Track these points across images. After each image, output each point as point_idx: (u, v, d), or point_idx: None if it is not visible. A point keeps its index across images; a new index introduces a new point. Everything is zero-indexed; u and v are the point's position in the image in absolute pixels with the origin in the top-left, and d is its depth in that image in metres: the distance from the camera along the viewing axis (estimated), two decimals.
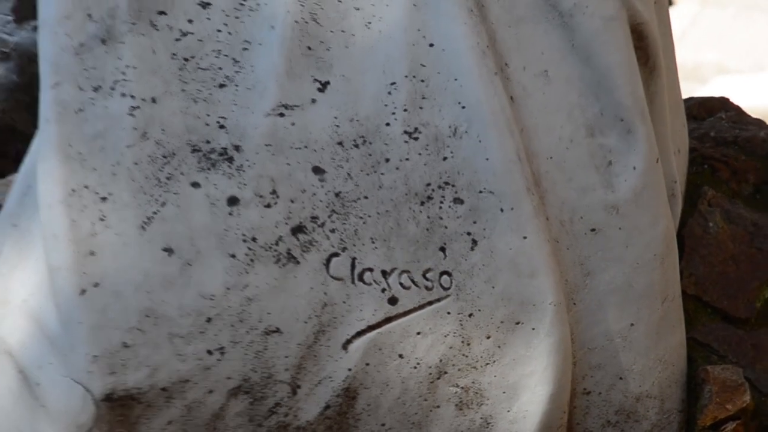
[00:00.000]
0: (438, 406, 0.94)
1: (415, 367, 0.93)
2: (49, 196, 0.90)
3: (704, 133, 1.17)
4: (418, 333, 0.93)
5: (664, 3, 1.06)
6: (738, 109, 1.22)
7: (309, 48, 0.92)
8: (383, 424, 0.94)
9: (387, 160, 0.92)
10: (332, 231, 0.92)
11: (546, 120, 0.95)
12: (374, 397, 0.94)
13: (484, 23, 0.94)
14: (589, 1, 0.96)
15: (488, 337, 0.93)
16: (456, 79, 0.92)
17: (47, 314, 0.91)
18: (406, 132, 0.92)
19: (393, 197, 0.92)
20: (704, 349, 1.01)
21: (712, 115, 1.20)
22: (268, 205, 0.91)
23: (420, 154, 0.93)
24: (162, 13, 0.92)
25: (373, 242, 0.92)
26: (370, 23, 0.93)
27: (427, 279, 0.94)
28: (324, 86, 0.93)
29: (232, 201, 0.91)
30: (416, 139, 0.93)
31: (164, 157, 0.91)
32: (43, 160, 0.91)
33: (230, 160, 0.92)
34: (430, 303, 0.93)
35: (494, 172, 0.92)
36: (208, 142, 0.92)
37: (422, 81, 0.93)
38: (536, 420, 0.94)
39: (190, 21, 0.92)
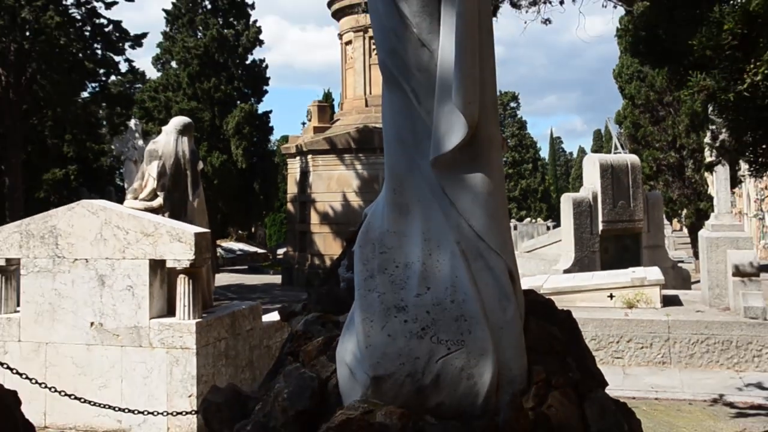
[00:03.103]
0: (461, 378, 3.29)
1: (456, 367, 3.28)
2: (357, 319, 3.24)
3: (526, 307, 3.62)
4: (456, 358, 3.28)
5: (515, 258, 3.50)
6: (534, 292, 3.71)
7: (424, 278, 3.31)
8: (448, 384, 3.28)
9: (446, 309, 3.30)
10: (431, 329, 3.28)
11: (487, 297, 3.36)
12: (446, 375, 3.27)
13: (470, 268, 3.35)
14: (496, 264, 3.38)
15: (475, 359, 3.30)
16: (464, 292, 3.32)
17: (357, 352, 3.23)
18: (452, 300, 3.31)
19: (449, 321, 3.29)
20: (532, 362, 3.41)
21: (527, 297, 3.65)
22: (415, 321, 3.27)
23: (457, 309, 3.31)
24: (385, 269, 3.30)
25: (444, 332, 3.29)
26: (439, 270, 3.33)
27: (457, 342, 3.29)
28: (428, 289, 3.31)
29: (404, 321, 3.27)
30: (453, 302, 3.31)
31: (387, 309, 3.26)
32: (355, 310, 3.26)
33: (405, 310, 3.28)
34: (459, 349, 3.29)
35: (477, 317, 3.30)
36: (397, 304, 3.28)
37: (454, 288, 3.32)
38: (488, 382, 3.30)
39: (391, 272, 3.30)
